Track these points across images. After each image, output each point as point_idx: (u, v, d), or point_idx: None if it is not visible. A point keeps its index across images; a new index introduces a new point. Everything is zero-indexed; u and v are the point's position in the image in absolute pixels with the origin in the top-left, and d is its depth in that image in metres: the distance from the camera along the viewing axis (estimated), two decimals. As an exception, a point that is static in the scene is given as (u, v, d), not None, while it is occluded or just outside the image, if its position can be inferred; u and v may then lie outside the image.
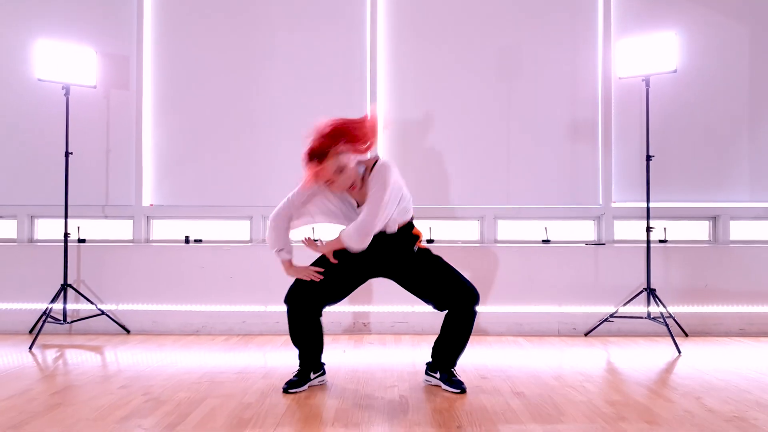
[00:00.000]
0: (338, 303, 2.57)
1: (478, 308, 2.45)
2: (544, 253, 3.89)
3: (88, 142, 4.10)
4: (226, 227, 4.19)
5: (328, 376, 2.70)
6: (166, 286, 3.88)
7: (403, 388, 2.55)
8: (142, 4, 4.08)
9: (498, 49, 4.12)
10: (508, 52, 4.11)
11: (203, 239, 4.12)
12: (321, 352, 2.58)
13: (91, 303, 3.78)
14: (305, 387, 2.51)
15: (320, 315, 2.53)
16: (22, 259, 3.92)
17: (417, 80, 4.12)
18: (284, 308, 2.49)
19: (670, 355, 3.21)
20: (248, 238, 4.14)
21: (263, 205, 4.02)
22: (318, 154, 2.20)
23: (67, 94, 3.70)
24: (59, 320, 3.65)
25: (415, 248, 2.49)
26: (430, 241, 4.04)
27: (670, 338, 3.40)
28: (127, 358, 3.15)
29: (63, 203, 3.75)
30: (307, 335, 2.50)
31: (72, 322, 3.74)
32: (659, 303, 3.52)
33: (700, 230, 4.16)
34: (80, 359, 3.12)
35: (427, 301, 2.52)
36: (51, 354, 3.26)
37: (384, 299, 3.83)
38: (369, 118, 2.31)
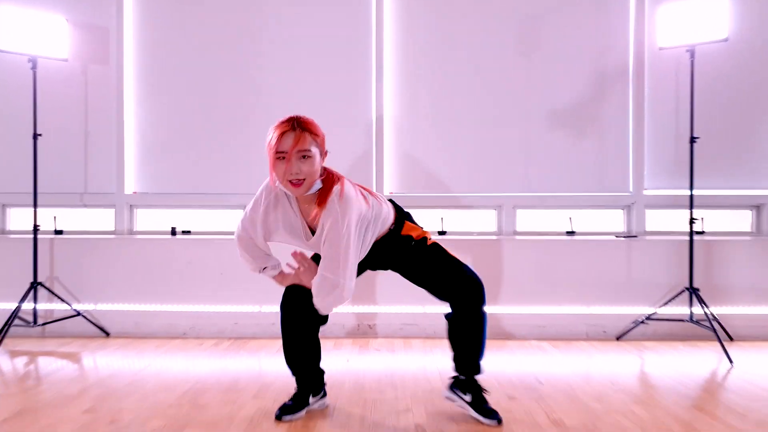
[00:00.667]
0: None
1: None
2: (568, 247, 3.49)
3: (65, 122, 3.69)
4: (216, 217, 3.79)
5: (330, 393, 2.32)
6: (150, 284, 3.49)
7: (419, 414, 2.15)
8: (120, -32, 3.65)
9: (519, 19, 3.68)
10: (531, 22, 3.68)
11: (192, 230, 3.73)
12: (320, 371, 2.20)
13: (66, 303, 3.39)
14: (302, 413, 2.11)
15: (318, 330, 2.13)
16: (-10, 253, 3.52)
17: (428, 54, 3.69)
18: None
19: (720, 364, 2.82)
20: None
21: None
22: (302, 122, 1.89)
23: (34, 67, 3.28)
24: (29, 322, 3.27)
25: (413, 242, 2.13)
26: (441, 233, 3.64)
27: (714, 343, 3.02)
28: (101, 368, 2.76)
29: (32, 191, 3.35)
30: (302, 351, 2.11)
31: (44, 324, 3.35)
32: (703, 304, 3.13)
33: (741, 221, 3.76)
34: (48, 369, 2.74)
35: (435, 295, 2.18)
36: (17, 363, 2.87)
37: (391, 299, 3.44)
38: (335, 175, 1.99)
